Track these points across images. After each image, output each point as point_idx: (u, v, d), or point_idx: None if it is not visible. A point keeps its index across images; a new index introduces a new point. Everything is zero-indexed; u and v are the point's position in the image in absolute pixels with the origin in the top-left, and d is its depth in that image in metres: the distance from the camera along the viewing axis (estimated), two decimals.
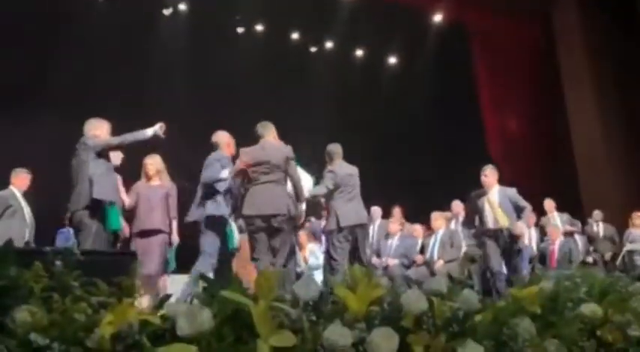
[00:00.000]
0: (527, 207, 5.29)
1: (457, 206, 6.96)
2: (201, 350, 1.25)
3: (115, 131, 4.26)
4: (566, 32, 9.56)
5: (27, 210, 4.91)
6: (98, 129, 4.20)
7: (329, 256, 4.77)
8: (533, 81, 9.87)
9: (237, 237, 4.74)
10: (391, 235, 6.88)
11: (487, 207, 5.29)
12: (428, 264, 6.46)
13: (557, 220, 7.26)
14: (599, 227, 7.47)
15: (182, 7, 8.85)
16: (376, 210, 7.17)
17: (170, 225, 4.75)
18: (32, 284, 1.20)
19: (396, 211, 7.34)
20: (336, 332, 1.39)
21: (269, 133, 4.37)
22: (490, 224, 5.24)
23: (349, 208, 4.71)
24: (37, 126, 6.62)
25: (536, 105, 9.85)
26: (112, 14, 7.97)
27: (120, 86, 7.54)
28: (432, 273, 6.12)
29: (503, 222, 5.17)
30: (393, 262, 6.66)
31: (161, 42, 8.65)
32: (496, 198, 5.26)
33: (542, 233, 7.32)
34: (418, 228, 7.06)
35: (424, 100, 9.67)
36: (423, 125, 9.48)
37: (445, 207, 7.13)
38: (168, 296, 1.39)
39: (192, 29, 8.69)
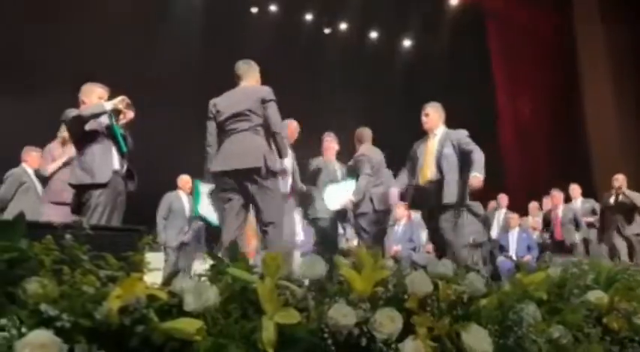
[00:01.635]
0: (476, 151, 3.95)
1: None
2: (207, 326, 1.27)
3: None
4: (584, 14, 9.37)
5: (39, 187, 4.96)
6: (86, 96, 3.61)
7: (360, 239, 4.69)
8: (549, 64, 9.71)
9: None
10: (397, 221, 6.86)
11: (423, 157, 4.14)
12: (436, 249, 6.46)
13: (577, 206, 7.12)
14: None
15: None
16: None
17: None
18: (43, 256, 1.22)
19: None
20: (341, 312, 1.41)
21: (249, 77, 3.64)
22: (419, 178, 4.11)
23: (382, 192, 4.71)
24: (47, 102, 6.66)
25: (551, 89, 9.70)
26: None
27: (132, 66, 7.56)
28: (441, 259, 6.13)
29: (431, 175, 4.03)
30: (397, 248, 6.66)
31: (175, 22, 8.63)
32: (435, 145, 4.09)
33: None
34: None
35: (437, 83, 9.58)
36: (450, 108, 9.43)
37: None
38: (176, 273, 1.41)
39: (207, 9, 8.66)
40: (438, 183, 3.99)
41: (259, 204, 3.38)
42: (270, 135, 3.49)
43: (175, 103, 7.60)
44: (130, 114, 3.56)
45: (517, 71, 9.87)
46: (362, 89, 9.24)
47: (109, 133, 3.55)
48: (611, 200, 6.30)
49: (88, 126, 3.46)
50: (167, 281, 1.41)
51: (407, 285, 1.54)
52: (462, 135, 4.08)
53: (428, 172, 4.07)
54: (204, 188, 4.13)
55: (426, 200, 4.09)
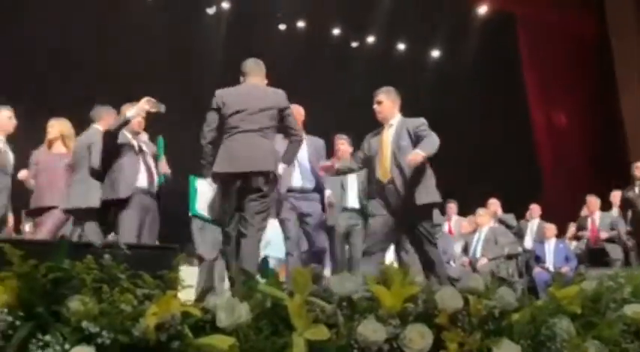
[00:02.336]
0: (430, 136, 3.47)
1: (494, 205, 6.86)
2: (240, 342, 1.31)
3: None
4: (618, 17, 9.16)
5: None
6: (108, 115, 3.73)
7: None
8: (583, 69, 9.50)
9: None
10: None
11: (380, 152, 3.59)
12: (471, 262, 6.36)
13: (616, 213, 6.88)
14: None
15: (225, 5, 9.03)
16: None
17: None
18: (84, 275, 1.29)
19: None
20: (370, 328, 1.42)
21: (256, 75, 3.43)
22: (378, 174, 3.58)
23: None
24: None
25: (586, 95, 9.48)
26: (157, 13, 8.22)
27: (163, 82, 7.77)
28: (475, 272, 6.03)
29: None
30: None
31: (204, 39, 8.85)
32: (391, 137, 3.57)
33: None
34: (465, 224, 6.96)
35: (468, 93, 9.50)
36: (466, 119, 9.32)
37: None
38: (209, 289, 1.45)
39: (235, 27, 8.85)
40: (402, 182, 3.43)
41: (252, 207, 3.18)
42: (288, 140, 3.38)
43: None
44: (162, 108, 3.53)
45: (550, 77, 9.69)
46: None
47: (140, 149, 3.66)
48: (636, 190, 5.77)
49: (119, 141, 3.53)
50: (200, 297, 1.46)
51: (437, 301, 1.54)
52: (419, 122, 3.57)
53: (387, 170, 3.49)
54: (202, 185, 3.90)
55: (387, 203, 3.48)
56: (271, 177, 3.24)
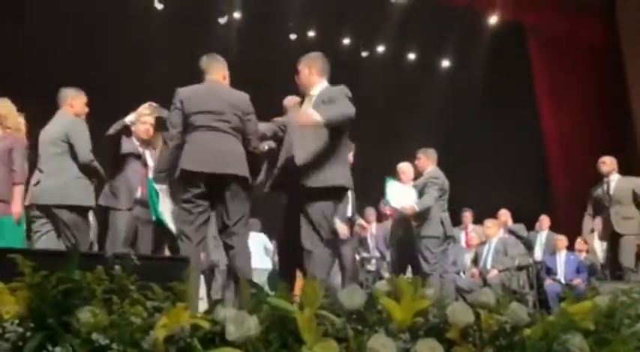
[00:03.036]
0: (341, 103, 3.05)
1: (504, 215, 6.81)
2: None
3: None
4: (630, 26, 9.11)
5: None
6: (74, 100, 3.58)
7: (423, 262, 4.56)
8: (594, 76, 9.43)
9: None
10: None
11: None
12: (481, 273, 6.31)
13: None
14: None
15: (236, 15, 9.09)
16: None
17: (12, 190, 3.52)
18: (94, 286, 1.29)
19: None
20: (380, 342, 1.41)
21: (215, 72, 3.21)
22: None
23: (448, 217, 4.69)
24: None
25: (597, 102, 9.39)
26: (168, 22, 8.30)
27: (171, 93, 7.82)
28: (485, 283, 5.98)
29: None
30: None
31: (215, 49, 8.93)
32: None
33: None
34: (474, 236, 6.91)
35: (478, 103, 9.47)
36: (477, 128, 9.29)
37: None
38: (218, 301, 1.45)
39: (246, 36, 8.91)
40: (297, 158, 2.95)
41: (233, 214, 2.96)
42: (247, 149, 3.06)
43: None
44: (164, 113, 3.35)
45: (561, 85, 9.62)
46: (401, 111, 9.25)
47: (145, 164, 3.68)
48: (604, 187, 5.38)
49: (124, 149, 3.56)
50: (210, 309, 1.46)
51: (448, 315, 1.53)
52: (338, 89, 3.09)
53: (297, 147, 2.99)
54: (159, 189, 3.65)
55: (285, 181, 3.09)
56: (249, 182, 3.01)
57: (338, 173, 2.97)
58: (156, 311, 1.26)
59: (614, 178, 5.31)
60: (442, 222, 4.62)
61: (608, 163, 5.34)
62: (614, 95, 9.31)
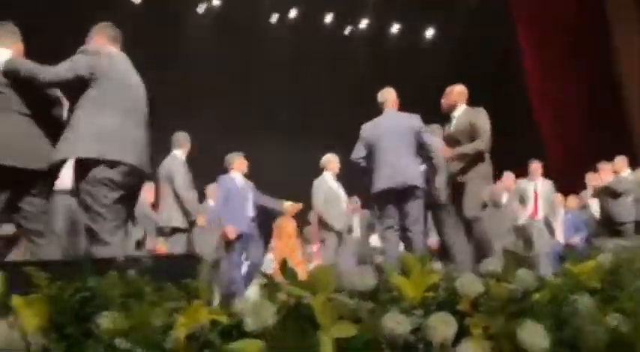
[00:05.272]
0: None
1: (509, 179, 6.81)
2: (268, 344, 1.33)
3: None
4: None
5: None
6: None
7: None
8: (578, 34, 9.38)
9: None
10: None
11: None
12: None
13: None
14: None
15: (216, 1, 8.99)
16: None
17: None
18: (111, 291, 1.30)
19: None
20: (395, 320, 1.44)
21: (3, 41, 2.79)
22: None
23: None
24: None
25: (582, 61, 9.34)
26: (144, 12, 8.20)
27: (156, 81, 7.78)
28: None
29: None
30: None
31: (196, 33, 8.84)
32: None
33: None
34: None
35: (463, 73, 9.44)
36: (473, 90, 9.27)
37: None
38: (233, 295, 1.47)
39: (226, 20, 8.82)
40: None
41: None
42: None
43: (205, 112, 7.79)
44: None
45: (546, 44, 9.55)
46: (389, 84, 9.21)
47: None
48: None
49: None
50: (225, 302, 1.48)
51: (457, 288, 1.56)
52: None
53: None
54: None
55: None
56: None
57: None
58: (173, 311, 1.27)
59: None
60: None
61: None
62: (599, 49, 9.24)
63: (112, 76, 2.73)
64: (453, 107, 4.31)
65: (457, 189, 4.09)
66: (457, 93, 4.36)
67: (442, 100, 4.42)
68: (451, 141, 4.23)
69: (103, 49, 2.82)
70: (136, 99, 2.85)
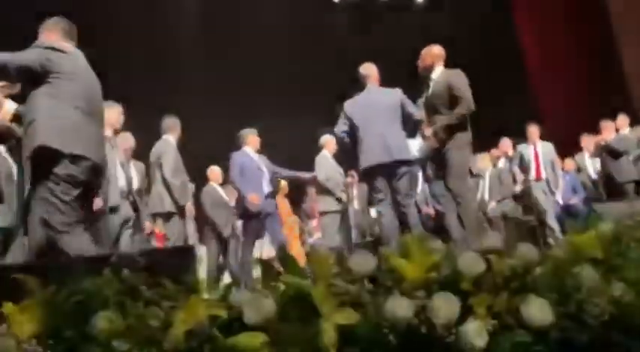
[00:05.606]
0: None
1: (505, 144, 6.78)
2: (270, 336, 1.30)
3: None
4: None
5: None
6: None
7: None
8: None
9: None
10: None
11: None
12: (480, 205, 6.37)
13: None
14: None
15: None
16: None
17: None
18: (106, 291, 1.27)
19: None
20: (397, 303, 1.42)
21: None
22: None
23: None
24: None
25: (582, 25, 9.21)
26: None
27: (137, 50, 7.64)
28: (485, 215, 6.07)
29: None
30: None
31: (172, 7, 8.68)
32: None
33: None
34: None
35: (455, 36, 9.30)
36: (463, 57, 9.14)
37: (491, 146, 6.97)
38: (230, 286, 1.44)
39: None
40: None
41: None
42: None
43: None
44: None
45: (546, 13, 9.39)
46: (377, 55, 9.07)
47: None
48: None
49: None
50: (224, 294, 1.45)
51: (459, 266, 1.53)
52: None
53: None
54: None
55: None
56: None
57: None
58: (171, 309, 1.25)
59: None
60: None
61: None
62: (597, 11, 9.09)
63: (68, 72, 2.70)
64: (429, 69, 4.12)
65: (440, 162, 4.01)
66: (434, 54, 4.15)
67: (418, 62, 4.21)
68: (430, 108, 4.11)
69: (60, 45, 2.75)
70: (93, 96, 2.81)
